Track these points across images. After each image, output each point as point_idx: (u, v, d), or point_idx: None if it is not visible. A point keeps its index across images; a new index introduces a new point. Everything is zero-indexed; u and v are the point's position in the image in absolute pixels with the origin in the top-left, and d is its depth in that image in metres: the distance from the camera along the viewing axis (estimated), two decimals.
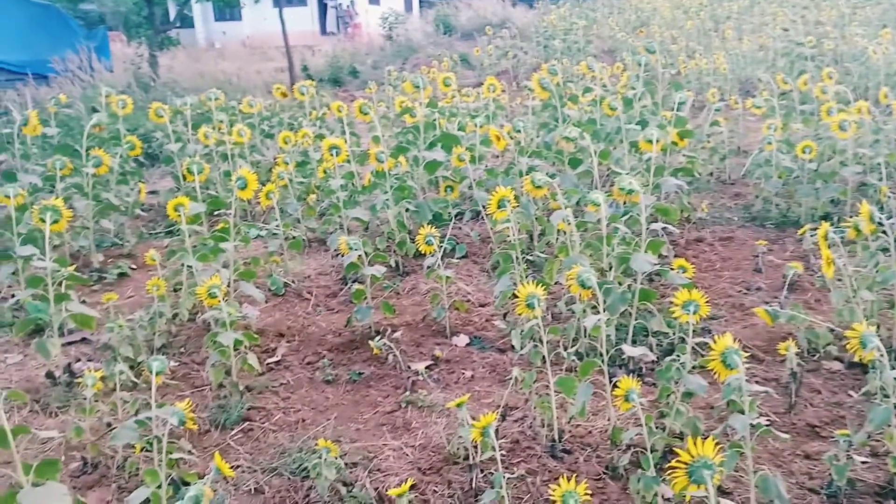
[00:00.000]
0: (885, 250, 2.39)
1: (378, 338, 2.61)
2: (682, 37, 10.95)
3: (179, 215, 2.78)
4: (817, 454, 1.86)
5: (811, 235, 2.61)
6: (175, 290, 3.01)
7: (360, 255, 2.75)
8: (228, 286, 2.79)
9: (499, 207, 2.66)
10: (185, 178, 3.91)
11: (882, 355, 1.69)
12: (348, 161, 3.86)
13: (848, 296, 2.32)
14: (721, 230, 3.83)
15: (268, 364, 2.64)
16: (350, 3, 22.63)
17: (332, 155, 3.59)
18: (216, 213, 3.27)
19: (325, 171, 4.13)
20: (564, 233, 2.85)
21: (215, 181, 4.63)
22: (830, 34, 8.96)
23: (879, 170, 3.59)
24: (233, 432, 2.18)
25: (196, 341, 2.81)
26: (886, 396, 1.73)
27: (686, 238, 3.71)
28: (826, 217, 3.67)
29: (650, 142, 3.31)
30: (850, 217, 2.53)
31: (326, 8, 24.01)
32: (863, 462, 1.81)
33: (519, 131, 4.13)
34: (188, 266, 2.85)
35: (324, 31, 23.57)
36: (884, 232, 2.38)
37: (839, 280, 2.38)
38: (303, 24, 21.66)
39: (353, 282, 3.23)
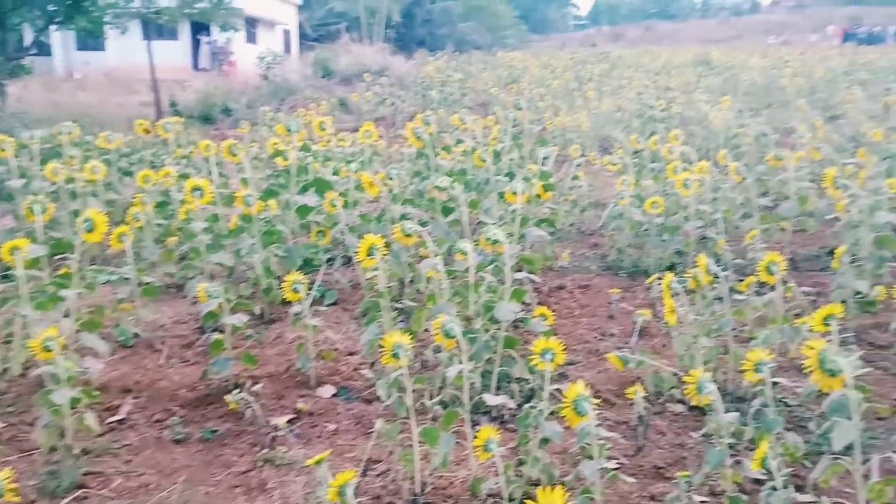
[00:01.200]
0: (721, 299, 2.62)
1: (236, 391, 2.48)
2: (548, 95, 11.65)
3: (15, 259, 2.53)
4: (662, 495, 1.96)
5: (658, 284, 2.80)
6: (6, 342, 2.72)
7: (219, 303, 2.62)
8: (69, 337, 2.55)
9: (368, 255, 2.65)
10: (27, 217, 3.58)
11: (717, 399, 1.83)
12: (214, 203, 3.71)
13: (689, 342, 2.50)
14: (581, 278, 4.04)
15: (109, 424, 2.43)
16: (227, 41, 22.13)
17: (194, 196, 3.43)
18: (61, 256, 3.01)
19: (187, 213, 3.94)
20: (434, 280, 2.88)
21: (63, 222, 4.27)
22: (678, 99, 9.89)
23: (717, 224, 3.95)
24: (64, 501, 1.97)
25: (28, 399, 2.53)
26: (722, 437, 1.86)
27: (549, 286, 3.87)
28: (672, 267, 3.97)
29: (515, 194, 3.46)
30: (693, 267, 2.75)
31: (200, 43, 23.34)
32: (702, 501, 1.92)
33: (392, 178, 4.17)
34: (22, 315, 2.58)
35: (196, 66, 22.85)
36: (719, 283, 2.61)
37: (682, 326, 2.57)
38: (174, 59, 20.87)
39: (213, 331, 3.07)
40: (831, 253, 3.37)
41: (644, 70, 15.26)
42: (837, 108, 9.73)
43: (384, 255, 2.67)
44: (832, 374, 1.55)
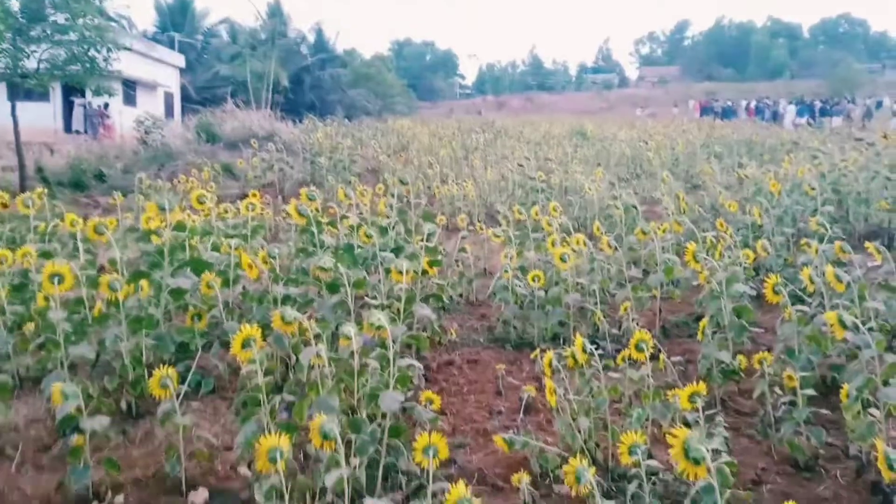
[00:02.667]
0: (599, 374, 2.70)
1: (96, 503, 2.25)
2: (437, 163, 11.96)
3: None
4: None
5: (541, 358, 2.86)
6: None
7: (78, 405, 2.39)
8: None
9: (244, 347, 2.52)
10: None
11: (594, 488, 1.86)
12: (78, 285, 3.44)
13: (569, 421, 2.55)
14: (469, 352, 4.07)
15: None
16: (105, 105, 21.16)
17: (53, 284, 3.17)
18: None
19: (46, 298, 3.63)
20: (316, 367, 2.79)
21: None
22: (556, 170, 10.44)
23: (595, 296, 4.14)
24: None
25: None
26: None
27: (437, 362, 3.86)
28: (555, 337, 4.09)
29: (401, 272, 3.46)
30: (576, 337, 2.83)
31: (73, 105, 22.18)
32: None
33: (274, 258, 4.06)
34: None
35: (69, 129, 21.64)
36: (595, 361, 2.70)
37: (563, 403, 2.62)
38: (43, 121, 19.71)
39: (73, 431, 2.79)
40: (698, 319, 3.60)
41: (525, 140, 16.06)
42: (698, 178, 10.65)
43: (262, 346, 2.56)
44: (696, 462, 1.62)
